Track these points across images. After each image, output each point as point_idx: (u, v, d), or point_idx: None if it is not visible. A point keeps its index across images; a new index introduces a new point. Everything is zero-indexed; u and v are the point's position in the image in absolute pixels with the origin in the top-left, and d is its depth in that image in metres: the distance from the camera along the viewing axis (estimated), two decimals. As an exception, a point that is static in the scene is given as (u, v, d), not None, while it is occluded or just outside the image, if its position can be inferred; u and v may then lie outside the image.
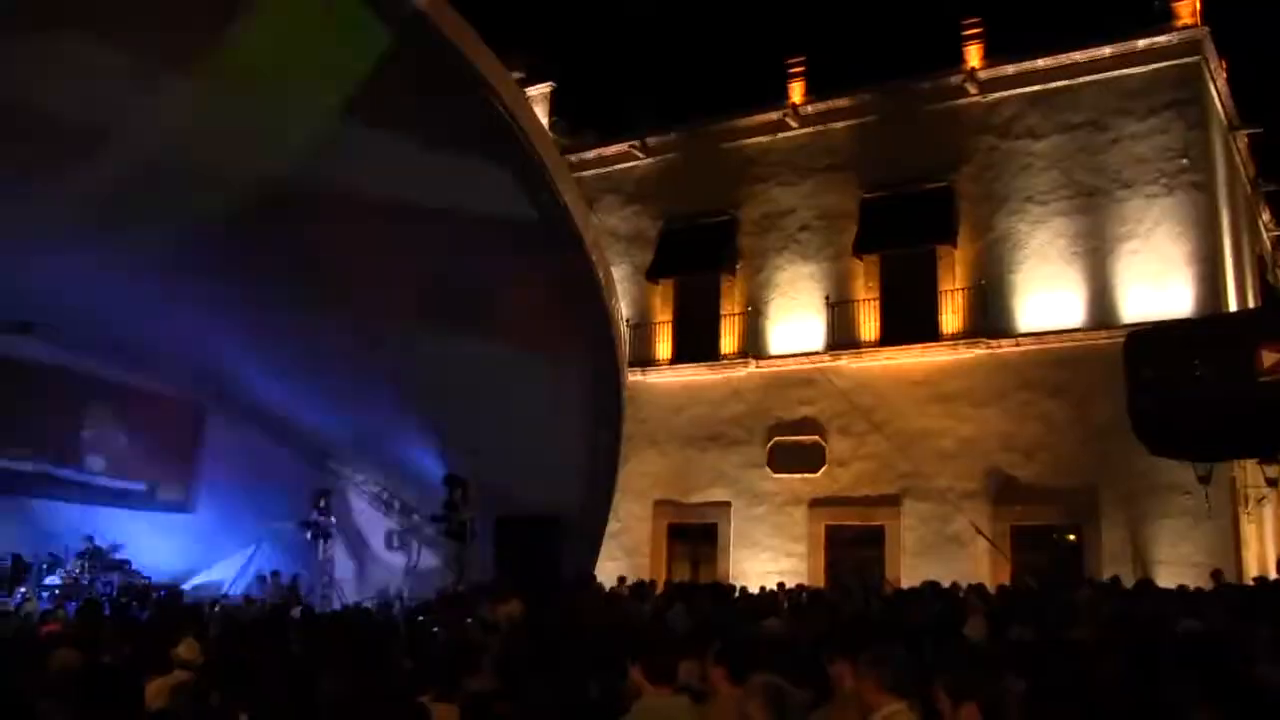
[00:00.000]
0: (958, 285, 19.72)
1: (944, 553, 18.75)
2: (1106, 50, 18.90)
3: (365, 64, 12.83)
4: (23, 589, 19.62)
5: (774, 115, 22.08)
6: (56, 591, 19.36)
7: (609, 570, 20.10)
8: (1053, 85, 19.42)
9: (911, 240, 20.39)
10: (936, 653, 7.10)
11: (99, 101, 12.81)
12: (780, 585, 17.11)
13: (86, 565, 20.37)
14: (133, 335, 21.86)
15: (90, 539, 21.01)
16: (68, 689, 8.55)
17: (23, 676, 8.06)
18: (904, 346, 19.91)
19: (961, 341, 19.33)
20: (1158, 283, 18.06)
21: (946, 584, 15.29)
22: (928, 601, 13.31)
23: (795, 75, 21.98)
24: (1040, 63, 19.45)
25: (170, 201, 15.18)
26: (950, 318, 19.68)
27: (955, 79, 20.13)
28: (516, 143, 14.36)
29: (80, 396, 22.61)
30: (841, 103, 21.48)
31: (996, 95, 19.92)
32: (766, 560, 20.52)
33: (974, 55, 20.00)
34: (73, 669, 9.86)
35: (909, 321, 20.09)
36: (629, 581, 18.26)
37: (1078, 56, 19.16)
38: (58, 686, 8.82)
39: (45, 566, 20.49)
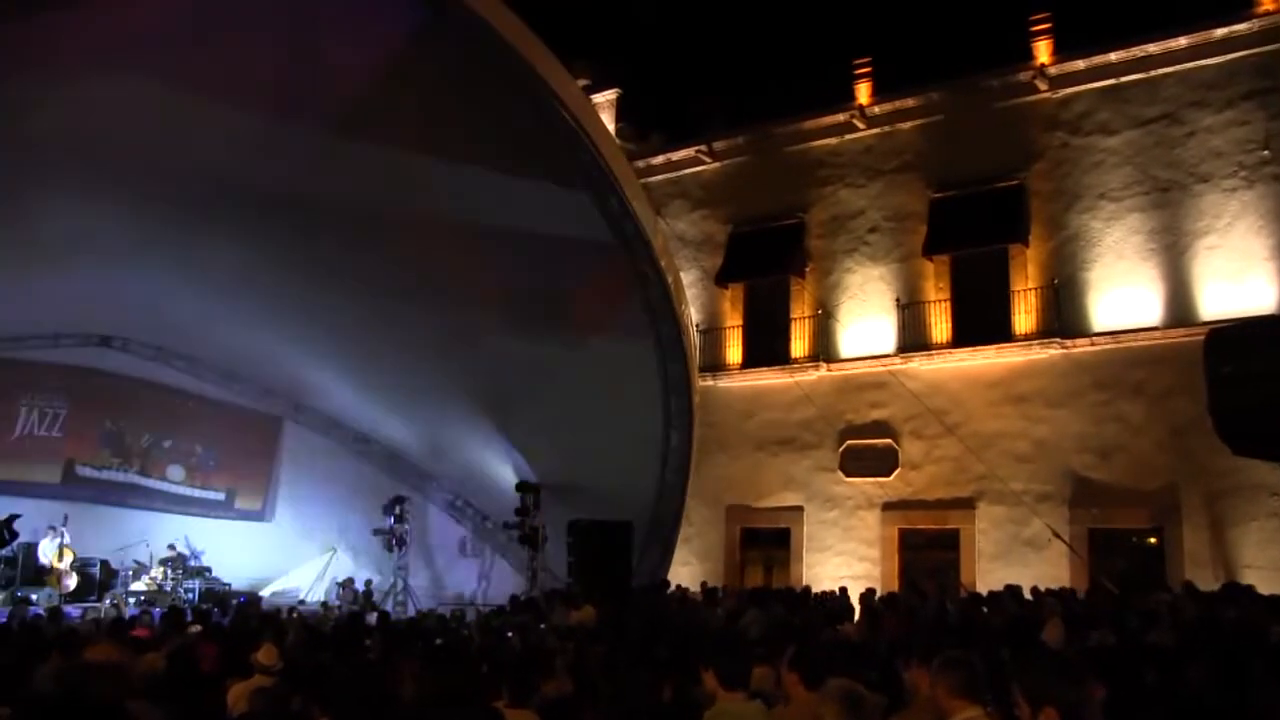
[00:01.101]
0: (1030, 285, 19.42)
1: (1020, 556, 18.47)
2: (1183, 41, 18.45)
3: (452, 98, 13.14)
4: (111, 595, 20.20)
5: (841, 117, 21.94)
6: (142, 597, 19.87)
7: (681, 575, 20.10)
8: (1125, 79, 19.03)
9: (982, 240, 20.11)
10: (1013, 658, 7.01)
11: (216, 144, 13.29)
12: (847, 589, 16.98)
13: (170, 572, 20.90)
14: (212, 350, 22.41)
15: (173, 546, 21.58)
16: (156, 691, 8.79)
17: (113, 678, 8.29)
18: (976, 348, 19.65)
19: (1035, 342, 19.02)
20: (1237, 279, 17.61)
21: (1023, 588, 15.07)
22: (1004, 606, 13.12)
23: (862, 76, 21.82)
24: (1112, 56, 19.07)
25: (252, 222, 15.57)
26: (1023, 318, 19.39)
27: (1024, 75, 19.82)
28: (584, 151, 14.46)
29: (161, 409, 23.23)
30: (909, 103, 21.27)
31: (1067, 91, 19.58)
32: (839, 565, 20.38)
33: (1043, 51, 19.68)
34: (160, 672, 10.12)
35: (981, 322, 19.82)
36: (709, 586, 18.23)
37: (1151, 48, 18.74)
38: (146, 689, 9.06)
39: (131, 573, 21.08)
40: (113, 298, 19.39)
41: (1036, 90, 19.77)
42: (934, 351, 20.09)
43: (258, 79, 12.75)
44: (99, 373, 22.33)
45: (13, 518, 20.21)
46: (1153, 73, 18.79)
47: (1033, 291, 19.35)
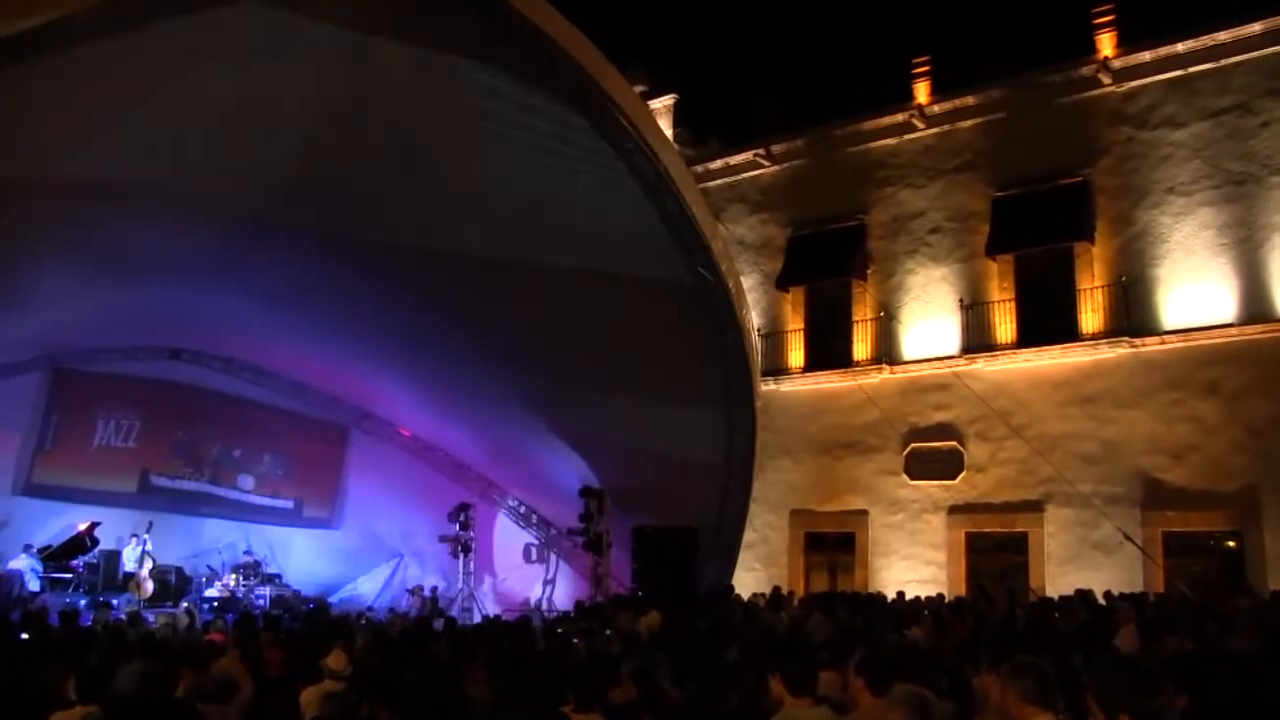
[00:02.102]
0: (1097, 283, 19.10)
1: (1091, 560, 18.16)
2: (1256, 27, 17.96)
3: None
4: (185, 600, 20.64)
5: (900, 117, 21.78)
6: (215, 603, 20.27)
7: (746, 581, 20.06)
8: (1194, 69, 18.64)
9: (1047, 238, 19.83)
10: (1086, 664, 6.90)
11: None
12: (906, 596, 16.83)
13: (242, 579, 21.30)
14: (280, 361, 22.82)
15: (246, 554, 21.99)
16: (230, 695, 8.98)
17: (191, 682, 8.48)
18: (1042, 348, 19.37)
19: (1103, 341, 18.71)
20: (1316, 273, 17.20)
21: (1094, 592, 14.83)
22: (1075, 610, 12.92)
23: (920, 75, 21.64)
24: (1180, 46, 18.69)
25: (318, 236, 15.83)
26: (1090, 317, 19.07)
27: (1087, 70, 19.52)
28: (642, 157, 14.50)
29: (231, 419, 23.68)
30: (968, 101, 21.05)
31: (1132, 84, 19.24)
32: (905, 569, 20.20)
33: (1106, 44, 19.37)
34: (234, 676, 10.33)
35: (1047, 322, 19.53)
36: (774, 591, 18.18)
37: (1222, 36, 18.31)
38: (220, 692, 9.26)
39: (205, 579, 21.52)
40: (183, 311, 19.81)
41: (1100, 84, 19.46)
42: (999, 352, 19.85)
43: (321, 95, 12.96)
44: (171, 385, 22.82)
45: (94, 526, 20.77)
46: (1223, 62, 18.38)
47: (1099, 290, 19.04)
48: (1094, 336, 18.89)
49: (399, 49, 12.51)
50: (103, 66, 11.19)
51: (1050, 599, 15.44)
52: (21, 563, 19.70)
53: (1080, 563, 18.21)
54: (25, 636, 12.00)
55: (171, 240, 16.01)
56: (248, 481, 24.10)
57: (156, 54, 11.32)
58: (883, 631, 11.12)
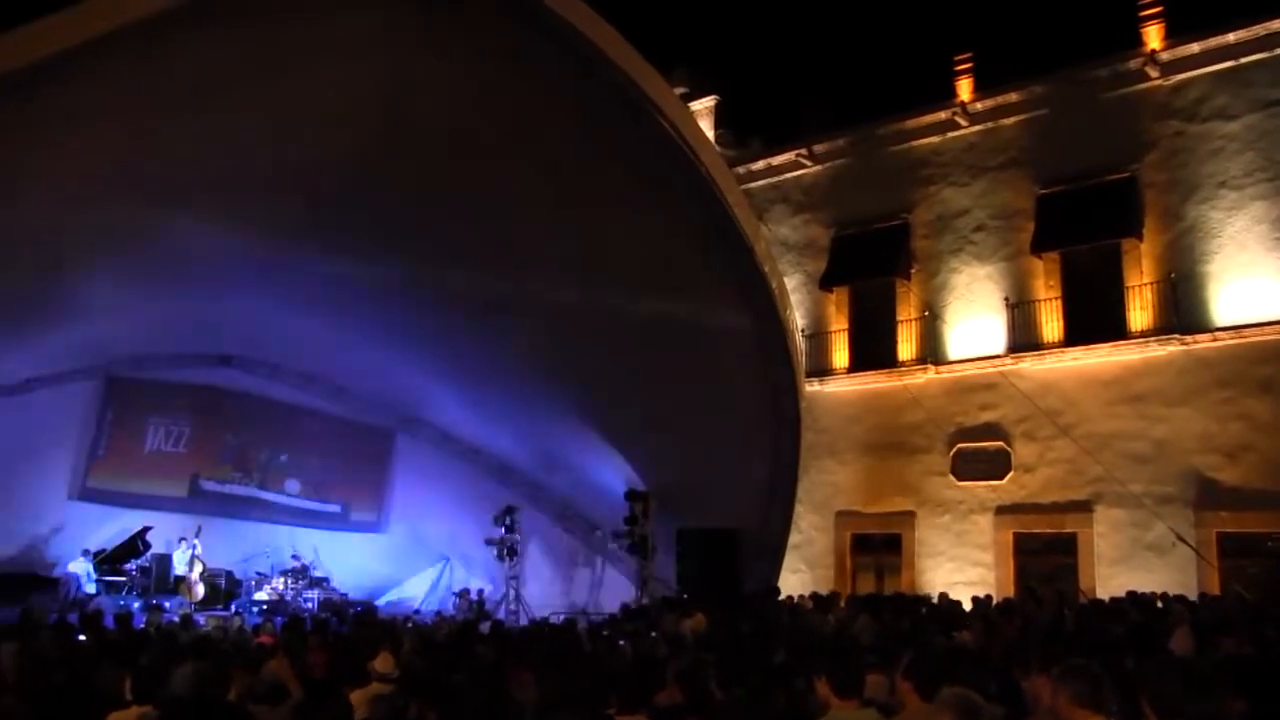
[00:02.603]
0: (1145, 280, 18.84)
1: (1142, 561, 17.89)
2: (1312, 14, 17.63)
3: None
4: (235, 604, 20.92)
5: (942, 114, 21.61)
6: (264, 606, 20.52)
7: (791, 583, 19.99)
8: (1245, 60, 18.31)
9: (1093, 235, 19.57)
10: (1140, 667, 6.81)
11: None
12: (953, 597, 16.68)
13: (290, 582, 21.54)
14: (326, 366, 23.05)
15: (294, 558, 22.23)
16: (280, 697, 9.08)
17: (241, 684, 8.60)
18: (1090, 346, 19.12)
19: (1152, 339, 18.44)
20: (1371, 267, 16.86)
21: (1147, 594, 14.63)
22: (1127, 613, 12.75)
23: (963, 72, 21.45)
24: (1230, 37, 18.36)
25: (363, 244, 15.99)
26: (1139, 314, 18.81)
27: (1134, 63, 19.25)
28: (683, 158, 14.52)
29: (279, 424, 23.95)
30: (1012, 97, 20.84)
31: (1180, 76, 18.94)
32: (953, 570, 20.03)
33: (1154, 36, 19.08)
34: (283, 679, 10.44)
35: (1094, 320, 19.28)
36: (820, 593, 18.11)
37: (1276, 25, 17.95)
38: (270, 695, 9.37)
39: (254, 583, 21.80)
40: (232, 318, 20.08)
41: (1147, 78, 19.18)
42: (1045, 351, 19.63)
43: (368, 105, 13.10)
44: (220, 390, 23.13)
45: (145, 530, 21.10)
46: (1277, 51, 18.04)
47: (1148, 287, 18.77)
48: (1143, 334, 18.63)
49: (446, 57, 12.63)
50: (151, 81, 11.38)
51: (1101, 601, 15.24)
52: (78, 566, 20.08)
53: (1132, 564, 17.96)
54: (83, 638, 12.22)
55: (221, 249, 16.24)
56: (295, 486, 24.37)
57: (207, 67, 11.49)
58: (930, 634, 11.04)
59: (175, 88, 11.65)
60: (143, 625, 14.97)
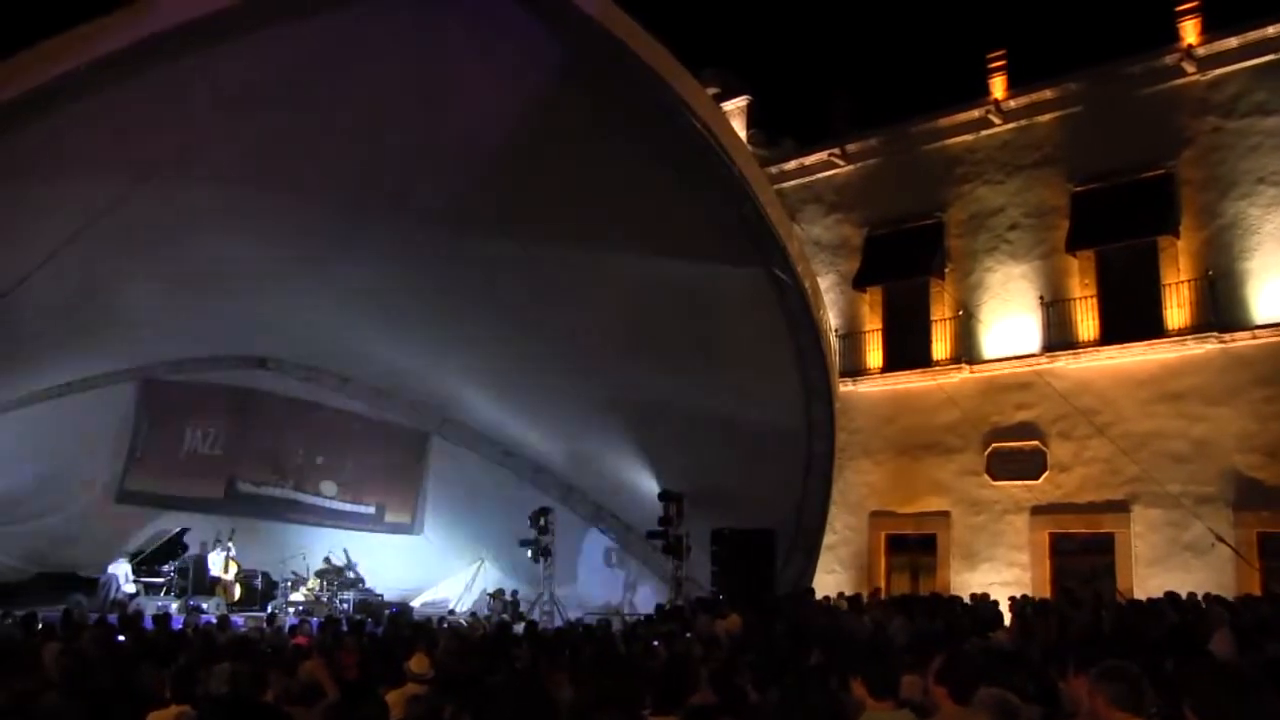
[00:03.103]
0: (1183, 277, 18.62)
1: (1181, 562, 17.69)
2: (1352, 7, 17.37)
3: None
4: (271, 604, 21.11)
5: (976, 113, 21.46)
6: (300, 607, 20.67)
7: (826, 583, 19.91)
8: (1285, 55, 18.10)
9: (1130, 233, 19.38)
10: (1180, 669, 6.74)
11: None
12: (989, 598, 16.57)
13: (326, 583, 21.69)
14: (361, 369, 23.20)
15: (329, 559, 22.39)
16: (317, 698, 9.14)
17: (278, 685, 8.68)
18: (1126, 345, 18.93)
19: (1190, 337, 18.22)
20: None
21: (1184, 595, 14.47)
22: (1165, 614, 12.62)
23: (996, 70, 21.30)
24: (1270, 30, 18.09)
25: (398, 247, 16.09)
26: (1175, 312, 18.59)
27: (1170, 58, 19.03)
28: (716, 159, 14.51)
29: (314, 426, 24.13)
30: (1046, 94, 20.67)
31: (1218, 72, 18.71)
32: (988, 570, 19.89)
33: (1190, 31, 18.86)
34: (319, 680, 10.51)
35: (1130, 318, 19.08)
36: (854, 593, 18.04)
37: (1315, 19, 17.73)
38: (306, 695, 9.44)
39: (290, 584, 21.97)
40: (267, 321, 20.25)
41: (1184, 73, 18.96)
42: (1081, 350, 19.46)
43: (406, 109, 13.17)
44: (255, 393, 23.35)
45: (183, 531, 21.33)
46: (1317, 45, 17.80)
47: (1185, 284, 18.56)
48: (1180, 332, 18.41)
49: (486, 58, 12.68)
50: (194, 86, 11.51)
51: (1139, 601, 15.09)
52: (117, 567, 20.33)
53: (1170, 564, 17.76)
54: (123, 638, 12.37)
55: (256, 252, 16.39)
56: (330, 487, 24.54)
57: (253, 69, 11.59)
58: (963, 635, 10.98)
59: (221, 91, 11.77)
60: (180, 625, 15.14)
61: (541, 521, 21.51)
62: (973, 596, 16.75)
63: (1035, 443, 19.86)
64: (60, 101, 10.52)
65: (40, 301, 14.08)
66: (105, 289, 15.81)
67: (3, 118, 10.44)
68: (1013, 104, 21.07)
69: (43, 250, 12.49)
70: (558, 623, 18.88)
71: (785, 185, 23.89)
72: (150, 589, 20.38)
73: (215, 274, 17.09)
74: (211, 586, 20.95)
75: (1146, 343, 18.71)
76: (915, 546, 21.51)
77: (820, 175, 24.12)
